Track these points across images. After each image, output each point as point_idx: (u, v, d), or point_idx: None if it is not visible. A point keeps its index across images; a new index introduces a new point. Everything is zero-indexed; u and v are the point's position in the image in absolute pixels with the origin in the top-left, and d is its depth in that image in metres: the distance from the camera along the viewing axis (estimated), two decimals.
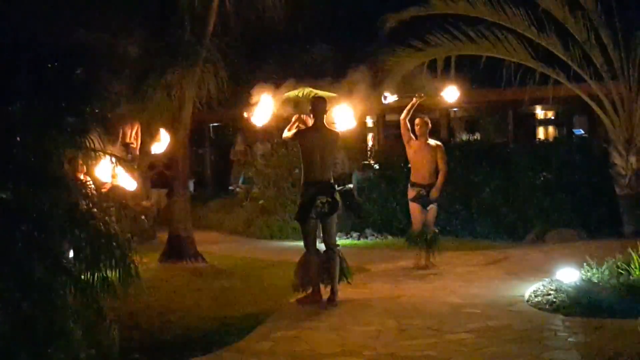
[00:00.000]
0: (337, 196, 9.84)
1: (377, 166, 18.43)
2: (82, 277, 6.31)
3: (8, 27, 6.82)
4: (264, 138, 22.75)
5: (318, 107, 9.95)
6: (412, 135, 11.89)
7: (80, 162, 6.89)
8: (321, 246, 10.08)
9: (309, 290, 9.84)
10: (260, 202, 17.48)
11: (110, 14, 11.70)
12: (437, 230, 12.09)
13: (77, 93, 7.01)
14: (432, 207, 11.89)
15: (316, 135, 9.86)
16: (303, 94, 10.81)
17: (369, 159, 20.28)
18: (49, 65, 7.00)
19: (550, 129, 26.61)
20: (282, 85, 11.00)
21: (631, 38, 13.54)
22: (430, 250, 11.89)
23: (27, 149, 6.52)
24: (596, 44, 13.69)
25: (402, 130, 11.90)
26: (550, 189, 15.05)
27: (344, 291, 10.05)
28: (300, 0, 14.42)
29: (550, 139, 22.45)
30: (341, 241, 15.11)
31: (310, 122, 10.06)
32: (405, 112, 11.76)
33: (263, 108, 10.72)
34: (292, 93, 10.93)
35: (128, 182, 10.39)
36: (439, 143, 12.05)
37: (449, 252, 12.73)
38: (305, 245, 9.95)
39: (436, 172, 11.83)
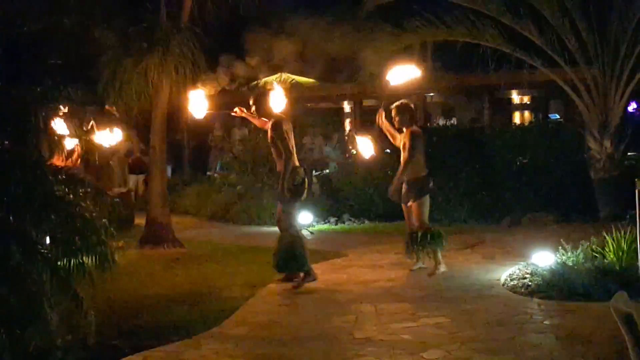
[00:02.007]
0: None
1: (354, 151, 18.47)
2: (59, 262, 6.30)
3: None
4: (241, 124, 22.76)
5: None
6: (395, 131, 10.79)
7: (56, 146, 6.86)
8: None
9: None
10: (238, 187, 17.47)
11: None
12: (428, 228, 10.47)
13: (53, 77, 6.98)
14: (411, 204, 10.51)
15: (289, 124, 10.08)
16: (281, 79, 10.83)
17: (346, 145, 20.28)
18: (25, 49, 6.96)
19: (527, 113, 26.77)
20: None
21: (605, 23, 13.62)
22: (424, 249, 10.55)
23: (2, 133, 6.49)
24: (570, 29, 13.76)
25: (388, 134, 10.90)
26: (526, 173, 15.14)
27: (321, 276, 10.10)
28: None
29: (526, 124, 22.56)
30: (319, 226, 15.23)
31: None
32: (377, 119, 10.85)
33: (197, 101, 10.71)
34: (271, 78, 10.97)
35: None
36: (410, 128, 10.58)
37: None
38: (297, 228, 10.04)
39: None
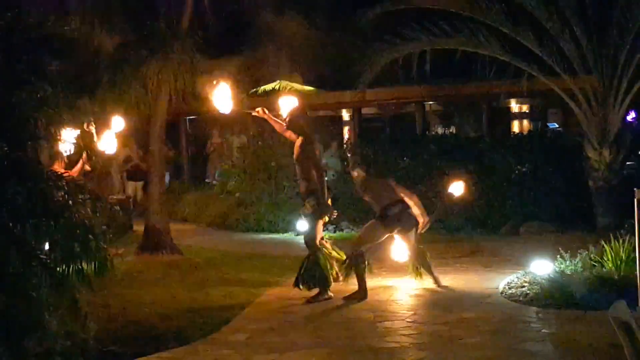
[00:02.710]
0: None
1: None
2: (58, 269, 6.29)
3: None
4: (240, 131, 22.76)
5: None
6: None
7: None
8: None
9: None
10: (237, 195, 17.47)
11: (87, 5, 11.66)
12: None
13: (52, 84, 6.98)
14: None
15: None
16: (280, 86, 10.83)
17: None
18: (24, 54, 6.96)
19: (525, 122, 26.75)
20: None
21: (605, 33, 13.64)
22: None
23: (2, 140, 6.49)
24: (570, 38, 13.78)
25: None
26: (525, 182, 15.15)
27: None
28: None
29: (525, 133, 22.56)
30: None
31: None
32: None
33: (223, 96, 10.58)
34: (270, 86, 10.97)
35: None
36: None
37: (424, 244, 12.77)
38: (317, 246, 9.98)
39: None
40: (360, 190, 10.51)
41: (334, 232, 15.55)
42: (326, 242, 10.22)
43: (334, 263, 10.16)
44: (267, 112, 10.33)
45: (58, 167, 9.46)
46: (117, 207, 15.70)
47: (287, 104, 10.26)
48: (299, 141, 9.97)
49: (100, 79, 12.39)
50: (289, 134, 10.13)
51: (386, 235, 10.17)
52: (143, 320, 8.73)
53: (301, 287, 9.68)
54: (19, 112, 6.55)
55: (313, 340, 7.83)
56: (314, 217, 9.86)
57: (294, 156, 10.06)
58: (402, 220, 10.08)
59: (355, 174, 10.46)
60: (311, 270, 9.70)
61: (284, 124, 10.16)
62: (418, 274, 10.34)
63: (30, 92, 6.86)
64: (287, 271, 11.08)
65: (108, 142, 11.60)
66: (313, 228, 9.90)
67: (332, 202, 10.11)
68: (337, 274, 10.06)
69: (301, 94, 10.48)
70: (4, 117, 6.54)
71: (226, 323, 8.55)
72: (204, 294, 10.12)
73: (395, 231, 10.13)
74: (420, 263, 10.29)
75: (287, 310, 9.21)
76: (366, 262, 9.93)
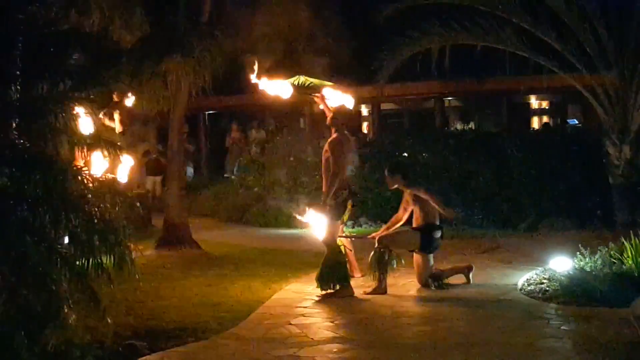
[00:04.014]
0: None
1: None
2: (77, 262, 6.33)
3: (3, 7, 6.80)
4: (258, 126, 22.82)
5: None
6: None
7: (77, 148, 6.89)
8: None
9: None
10: (255, 189, 17.49)
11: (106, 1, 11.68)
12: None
13: (73, 78, 7.02)
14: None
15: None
16: (299, 82, 10.81)
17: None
18: (45, 48, 6.99)
19: (545, 118, 26.67)
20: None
21: (625, 28, 13.55)
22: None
23: (23, 133, 6.53)
24: (590, 34, 13.69)
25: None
26: (544, 178, 15.09)
27: None
28: None
29: (545, 129, 22.49)
30: None
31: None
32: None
33: (281, 85, 10.65)
34: (289, 80, 10.93)
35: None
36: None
37: (442, 240, 12.75)
38: (335, 245, 9.96)
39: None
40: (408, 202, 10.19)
41: (353, 227, 15.55)
42: (346, 238, 10.29)
43: (352, 258, 10.20)
44: (325, 99, 10.45)
45: (78, 161, 9.48)
46: (137, 201, 15.75)
47: (336, 97, 10.35)
48: (332, 137, 10.08)
49: (120, 73, 12.42)
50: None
51: None
52: (162, 314, 8.75)
53: (322, 290, 9.64)
54: (39, 106, 6.59)
55: (331, 335, 7.83)
56: (333, 216, 9.87)
57: (323, 150, 10.17)
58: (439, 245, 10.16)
59: (392, 182, 10.22)
60: (332, 269, 9.69)
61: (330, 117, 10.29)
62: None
63: (51, 85, 6.90)
64: (306, 266, 11.10)
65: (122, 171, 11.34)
66: (330, 227, 9.91)
67: (351, 197, 10.09)
68: (352, 269, 10.10)
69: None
70: (24, 110, 6.58)
71: (245, 318, 8.56)
72: (222, 289, 10.14)
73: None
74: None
75: (306, 305, 9.21)
76: (391, 259, 9.85)
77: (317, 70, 12.35)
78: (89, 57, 7.62)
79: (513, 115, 24.72)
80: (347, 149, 10.04)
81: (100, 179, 6.82)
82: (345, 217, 10.14)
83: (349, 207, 10.05)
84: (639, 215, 12.50)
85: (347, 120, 10.52)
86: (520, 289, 9.48)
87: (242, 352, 7.34)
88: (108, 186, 6.90)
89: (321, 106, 10.76)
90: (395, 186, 10.20)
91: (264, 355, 7.21)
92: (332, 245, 9.86)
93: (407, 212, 10.17)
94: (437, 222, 9.97)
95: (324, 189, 10.06)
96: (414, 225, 10.06)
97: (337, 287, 9.61)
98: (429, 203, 9.86)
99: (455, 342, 7.41)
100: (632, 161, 13.85)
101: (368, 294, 9.61)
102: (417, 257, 10.00)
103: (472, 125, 23.11)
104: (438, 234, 9.98)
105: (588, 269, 9.28)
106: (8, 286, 5.89)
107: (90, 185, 6.59)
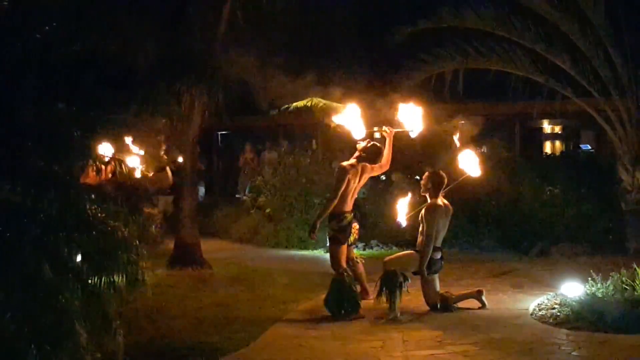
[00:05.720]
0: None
1: (383, 177, 18.43)
2: (89, 280, 6.35)
3: (18, 29, 6.86)
4: (271, 147, 22.85)
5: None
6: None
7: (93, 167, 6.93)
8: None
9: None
10: (267, 210, 17.50)
11: (120, 22, 11.74)
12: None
13: (88, 99, 7.07)
14: None
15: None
16: (312, 103, 10.85)
17: None
18: (60, 70, 7.04)
19: (557, 143, 26.60)
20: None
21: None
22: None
23: (38, 153, 6.57)
24: (604, 59, 13.72)
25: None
26: (556, 203, 15.06)
27: None
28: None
29: (557, 154, 22.47)
30: None
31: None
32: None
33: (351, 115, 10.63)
34: (301, 103, 10.98)
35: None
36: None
37: (454, 264, 12.76)
38: (341, 269, 10.00)
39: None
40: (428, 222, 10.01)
41: (364, 249, 15.54)
42: (356, 259, 10.31)
43: (363, 280, 10.22)
44: (392, 134, 10.64)
45: (91, 177, 9.53)
46: (149, 221, 15.81)
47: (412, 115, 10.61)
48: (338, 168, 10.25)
49: (135, 94, 12.48)
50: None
51: None
52: (172, 334, 8.77)
53: (331, 312, 9.66)
54: (54, 127, 6.63)
55: (342, 356, 7.82)
56: (334, 240, 9.92)
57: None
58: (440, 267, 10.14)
59: (426, 185, 10.16)
60: (339, 292, 9.70)
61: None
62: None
63: (66, 107, 6.95)
64: (317, 287, 11.09)
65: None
66: (335, 251, 9.95)
67: (359, 220, 10.12)
68: (362, 291, 10.11)
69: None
70: (40, 131, 6.63)
71: (256, 338, 8.57)
72: (233, 309, 10.14)
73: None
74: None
75: (316, 326, 9.21)
76: (402, 283, 9.81)
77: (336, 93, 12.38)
78: (103, 80, 7.68)
79: (526, 139, 24.66)
80: (352, 176, 10.05)
81: (114, 197, 6.86)
82: (351, 239, 10.16)
83: (355, 229, 10.09)
84: None
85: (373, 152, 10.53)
86: (532, 314, 9.46)
87: None
88: (121, 204, 6.93)
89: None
90: (426, 193, 10.15)
91: None
92: (336, 269, 9.92)
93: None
94: (438, 244, 9.96)
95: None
96: (417, 246, 10.07)
97: (347, 309, 9.61)
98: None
99: None
100: None
101: (378, 318, 9.57)
102: (420, 278, 10.00)
103: (484, 149, 23.08)
104: (438, 255, 9.96)
105: (600, 295, 9.25)
106: (21, 304, 5.90)
107: (104, 203, 6.63)
